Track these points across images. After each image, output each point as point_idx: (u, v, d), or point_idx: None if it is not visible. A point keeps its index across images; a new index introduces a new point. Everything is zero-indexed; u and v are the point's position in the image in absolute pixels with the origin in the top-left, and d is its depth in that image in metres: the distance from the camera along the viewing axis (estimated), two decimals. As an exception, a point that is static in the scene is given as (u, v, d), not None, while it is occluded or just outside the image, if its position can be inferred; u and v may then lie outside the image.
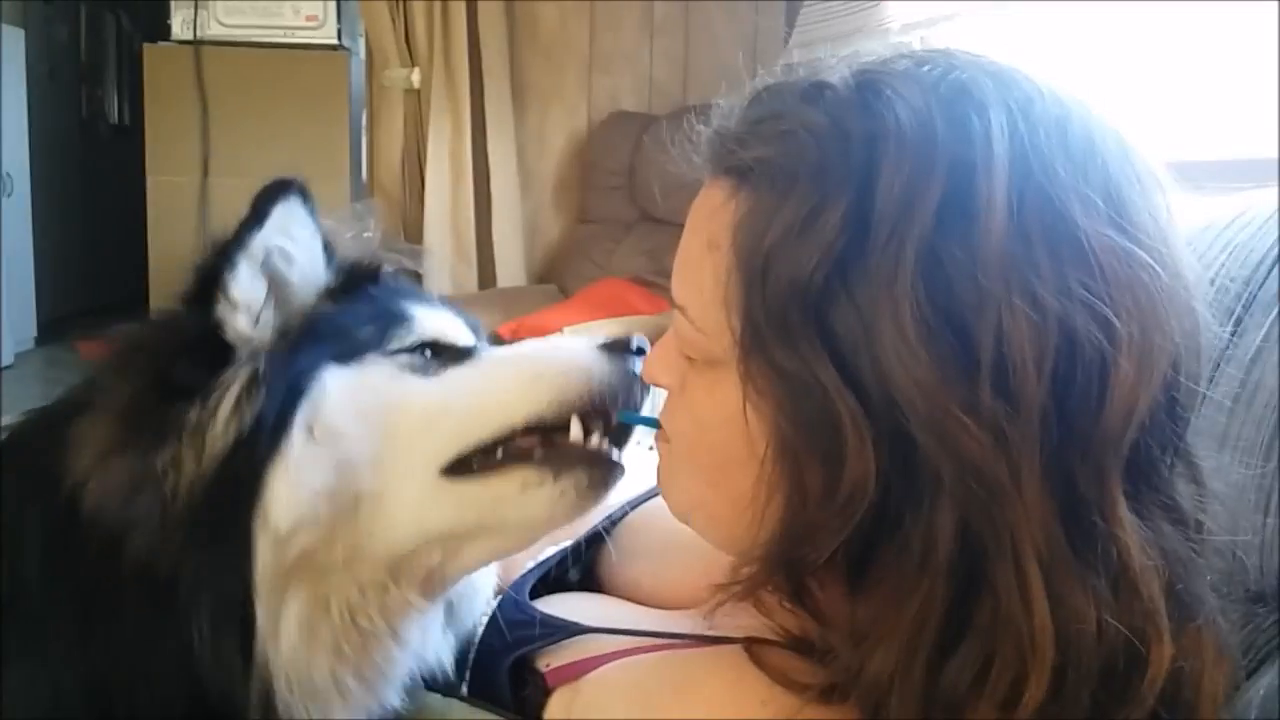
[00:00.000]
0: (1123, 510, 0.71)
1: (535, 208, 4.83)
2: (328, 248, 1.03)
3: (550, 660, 0.93)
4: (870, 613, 0.73)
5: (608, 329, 3.71)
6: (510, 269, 4.71)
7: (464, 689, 1.04)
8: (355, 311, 1.01)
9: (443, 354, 1.02)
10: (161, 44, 4.72)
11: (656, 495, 0.96)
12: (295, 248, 0.99)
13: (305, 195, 0.98)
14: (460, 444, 0.95)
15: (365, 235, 4.44)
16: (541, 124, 4.80)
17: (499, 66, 4.63)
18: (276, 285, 0.98)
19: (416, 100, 4.70)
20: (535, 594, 1.07)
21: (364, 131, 4.93)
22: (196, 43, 4.65)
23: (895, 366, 0.69)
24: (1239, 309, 1.05)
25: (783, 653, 0.77)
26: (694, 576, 0.89)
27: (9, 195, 5.73)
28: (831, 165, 0.73)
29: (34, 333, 5.84)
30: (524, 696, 0.94)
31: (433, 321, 1.03)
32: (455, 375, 1.00)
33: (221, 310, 0.93)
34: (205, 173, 4.80)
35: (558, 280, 4.67)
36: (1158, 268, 0.72)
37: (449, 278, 4.68)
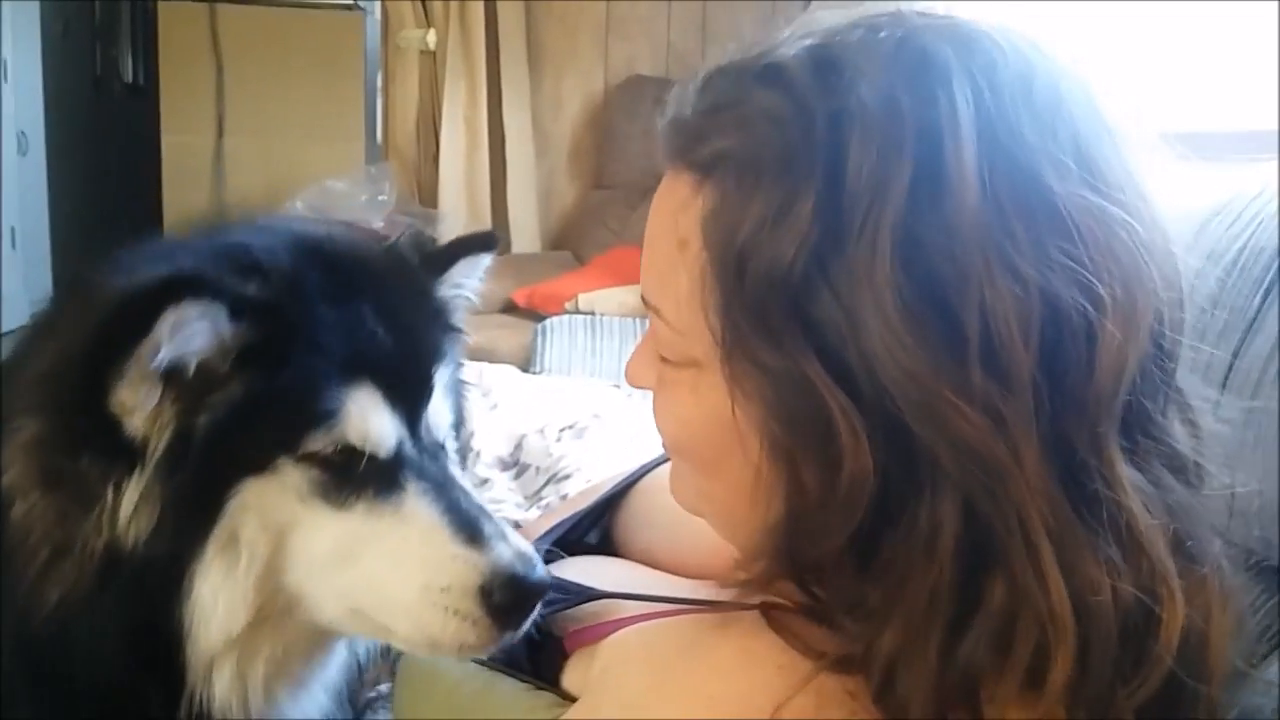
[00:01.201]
0: (1122, 470, 0.70)
1: (550, 173, 4.81)
2: (241, 313, 0.90)
3: (567, 624, 0.93)
4: (879, 593, 0.72)
5: (622, 296, 3.72)
6: (525, 234, 4.70)
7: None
8: (269, 397, 0.92)
9: (360, 467, 0.94)
10: (176, 2, 4.70)
11: (668, 461, 0.95)
12: (191, 346, 0.89)
13: (198, 292, 0.87)
14: (361, 600, 0.93)
15: (379, 198, 4.43)
16: (557, 88, 4.77)
17: (515, 29, 4.60)
18: (175, 381, 0.90)
19: (432, 62, 4.67)
20: (553, 556, 1.07)
21: (379, 93, 4.90)
22: (212, 1, 4.63)
23: (883, 356, 0.68)
24: (1269, 278, 1.04)
25: (799, 619, 0.76)
26: (706, 545, 0.89)
27: (24, 154, 5.72)
28: (797, 152, 0.72)
29: (50, 291, 5.85)
30: (540, 659, 0.94)
31: (353, 421, 0.93)
32: (360, 523, 0.93)
33: (115, 408, 0.89)
34: (220, 132, 4.80)
35: (573, 246, 4.66)
36: (1135, 223, 0.71)
37: (463, 242, 4.67)
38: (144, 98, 5.28)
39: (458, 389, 1.11)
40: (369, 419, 0.94)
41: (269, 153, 4.73)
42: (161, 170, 4.85)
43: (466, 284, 1.15)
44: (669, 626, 0.83)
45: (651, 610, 0.88)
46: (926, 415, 0.68)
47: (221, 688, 0.96)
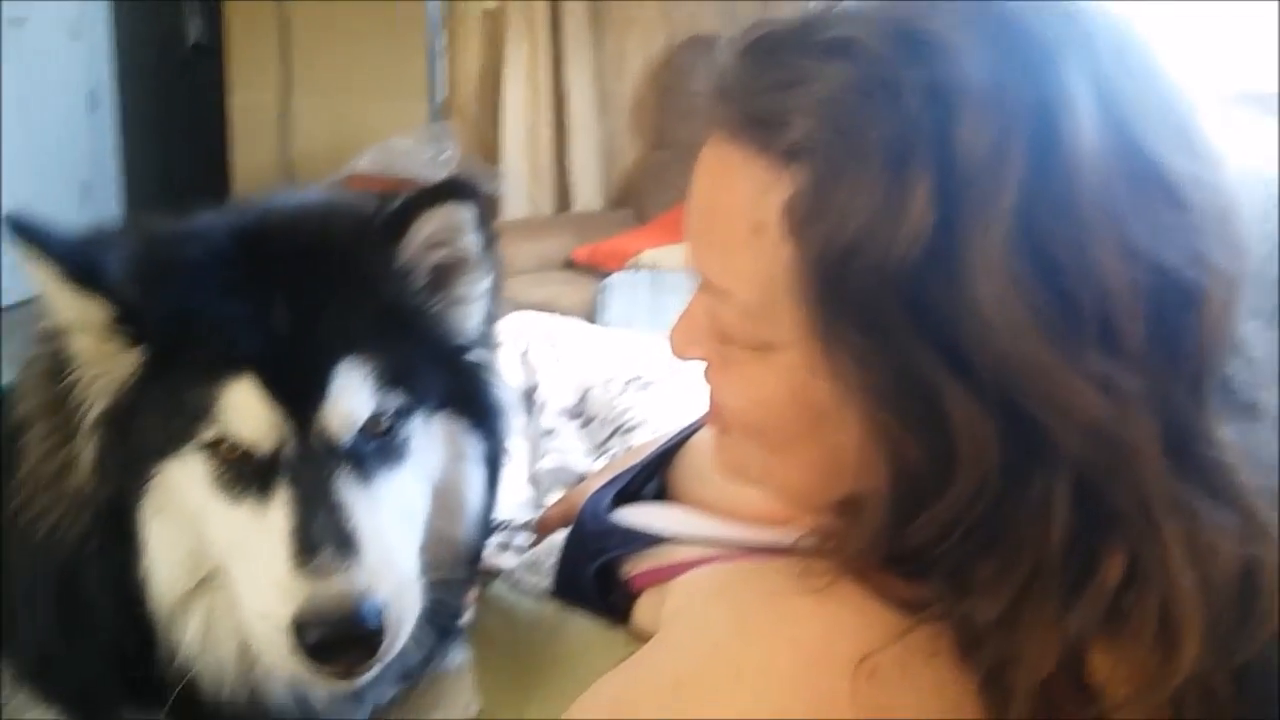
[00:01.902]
0: (1221, 429, 0.70)
1: (612, 131, 4.80)
2: (135, 305, 0.94)
3: (634, 566, 0.94)
4: (982, 562, 0.70)
5: (683, 254, 3.71)
6: (586, 193, 4.70)
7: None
8: (164, 386, 0.94)
9: (245, 459, 0.92)
10: (243, -39, 4.75)
11: None
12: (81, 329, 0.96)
13: (91, 282, 0.93)
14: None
15: (442, 156, 4.45)
16: (620, 47, 4.74)
17: (578, -12, 4.59)
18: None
19: (495, 20, 4.67)
20: (614, 506, 1.08)
21: (442, 51, 4.91)
22: (278, -40, 4.68)
23: (1002, 344, 0.66)
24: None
25: (877, 569, 0.76)
26: (760, 501, 0.89)
27: (95, 112, 5.82)
28: (900, 134, 0.68)
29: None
30: (609, 601, 0.95)
31: (230, 415, 0.91)
32: (243, 523, 0.92)
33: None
34: (286, 91, 4.85)
35: (634, 205, 4.65)
36: (1224, 189, 0.70)
37: (525, 200, 4.69)
38: (211, 56, 5.34)
39: (403, 373, 0.98)
40: (244, 414, 0.92)
41: (334, 110, 4.77)
42: (228, 128, 4.92)
43: (449, 240, 1.02)
44: (745, 570, 0.84)
45: (719, 553, 0.89)
46: (1048, 399, 0.66)
47: (188, 647, 0.98)
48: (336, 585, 0.86)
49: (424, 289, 1.03)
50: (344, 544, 0.88)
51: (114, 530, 0.97)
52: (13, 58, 5.11)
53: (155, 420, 0.95)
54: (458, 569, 1.06)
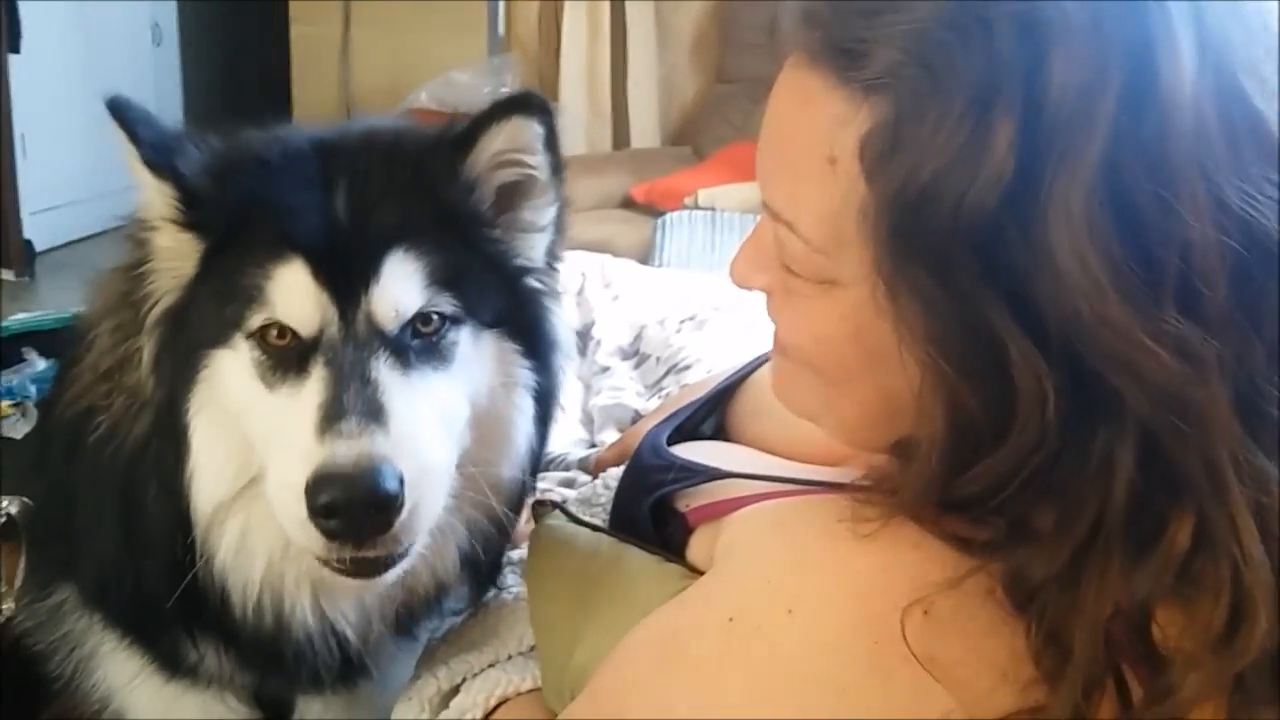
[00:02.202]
0: None
1: (672, 66, 4.74)
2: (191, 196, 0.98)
3: (690, 501, 0.94)
4: (1041, 514, 0.69)
5: (743, 192, 3.68)
6: (645, 129, 4.67)
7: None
8: (217, 273, 0.97)
9: (289, 345, 0.94)
10: (305, -107, 4.73)
11: None
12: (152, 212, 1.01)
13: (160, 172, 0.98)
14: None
15: (501, 90, 4.44)
16: (681, -20, 4.69)
17: (639, -81, 4.52)
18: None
19: (555, -47, 4.63)
20: (671, 444, 1.09)
21: (502, -16, 4.88)
22: (339, -108, 4.66)
23: (1076, 302, 0.64)
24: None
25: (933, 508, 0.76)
26: (820, 435, 0.89)
27: (159, 45, 5.87)
28: (988, 71, 0.64)
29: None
30: (665, 535, 0.96)
31: (278, 298, 0.94)
32: (279, 405, 0.93)
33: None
34: (347, 24, 4.85)
35: (692, 142, 4.61)
36: None
37: (583, 136, 4.67)
38: (272, -12, 5.35)
39: (457, 278, 0.98)
40: (292, 297, 0.93)
41: (394, 44, 4.77)
42: (290, 61, 4.94)
43: (518, 156, 1.02)
44: (801, 505, 0.84)
45: (774, 490, 0.89)
46: (1120, 361, 0.64)
47: (222, 560, 1.00)
48: (358, 446, 0.86)
49: (490, 208, 1.03)
50: (371, 413, 0.88)
51: (169, 432, 1.00)
52: (78, -8, 5.16)
53: (209, 310, 0.97)
54: (495, 508, 1.06)
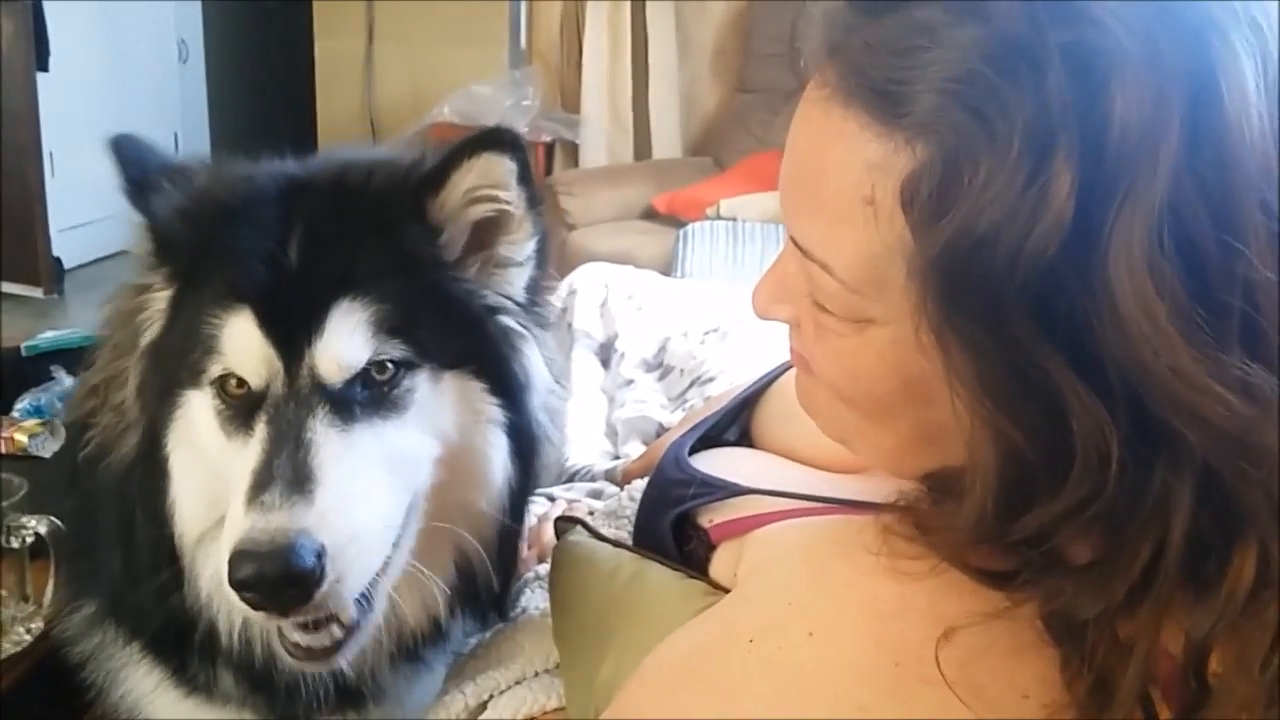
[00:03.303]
0: None
1: (693, 77, 4.75)
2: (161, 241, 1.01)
3: (713, 517, 0.94)
4: (1073, 547, 0.68)
5: (764, 202, 3.68)
6: (666, 140, 4.68)
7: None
8: (179, 319, 0.99)
9: (243, 395, 0.95)
10: (328, -91, 4.77)
11: None
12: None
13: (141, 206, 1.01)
14: None
15: (523, 103, 4.46)
16: (702, -10, 4.70)
17: (659, -70, 4.53)
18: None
19: (576, -34, 4.65)
20: (694, 452, 1.08)
21: (524, -2, 4.91)
22: (361, -93, 4.70)
23: (1139, 351, 0.61)
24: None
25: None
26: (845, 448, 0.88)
27: (185, 61, 5.93)
28: (1042, 114, 0.61)
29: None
30: (687, 551, 0.95)
31: (229, 348, 0.94)
32: (231, 458, 0.94)
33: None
34: (370, 38, 4.88)
35: (714, 152, 4.62)
36: None
37: (605, 148, 4.68)
38: (297, 4, 5.40)
39: (411, 324, 0.96)
40: (240, 348, 0.93)
41: (416, 57, 4.80)
42: (314, 75, 4.98)
43: (491, 192, 1.00)
44: (826, 524, 0.83)
45: (802, 508, 0.88)
46: (1187, 408, 0.61)
47: (206, 588, 1.01)
48: (274, 521, 0.85)
49: (462, 248, 1.02)
50: (297, 483, 0.87)
51: (151, 460, 1.01)
52: (105, 11, 5.22)
53: (180, 351, 0.98)
54: (485, 536, 1.06)
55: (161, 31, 5.73)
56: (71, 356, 1.73)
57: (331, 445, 0.90)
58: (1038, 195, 0.61)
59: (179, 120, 5.78)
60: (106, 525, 1.08)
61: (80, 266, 5.00)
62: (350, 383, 0.93)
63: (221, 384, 0.95)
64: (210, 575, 1.01)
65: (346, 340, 0.93)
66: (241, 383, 0.94)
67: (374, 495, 0.92)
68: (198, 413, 0.97)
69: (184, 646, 1.07)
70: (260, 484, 0.88)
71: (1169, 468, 0.64)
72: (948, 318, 0.66)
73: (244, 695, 1.09)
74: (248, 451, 0.91)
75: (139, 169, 1.00)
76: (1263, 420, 0.62)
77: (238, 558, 0.85)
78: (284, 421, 0.91)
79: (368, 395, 0.94)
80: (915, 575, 0.70)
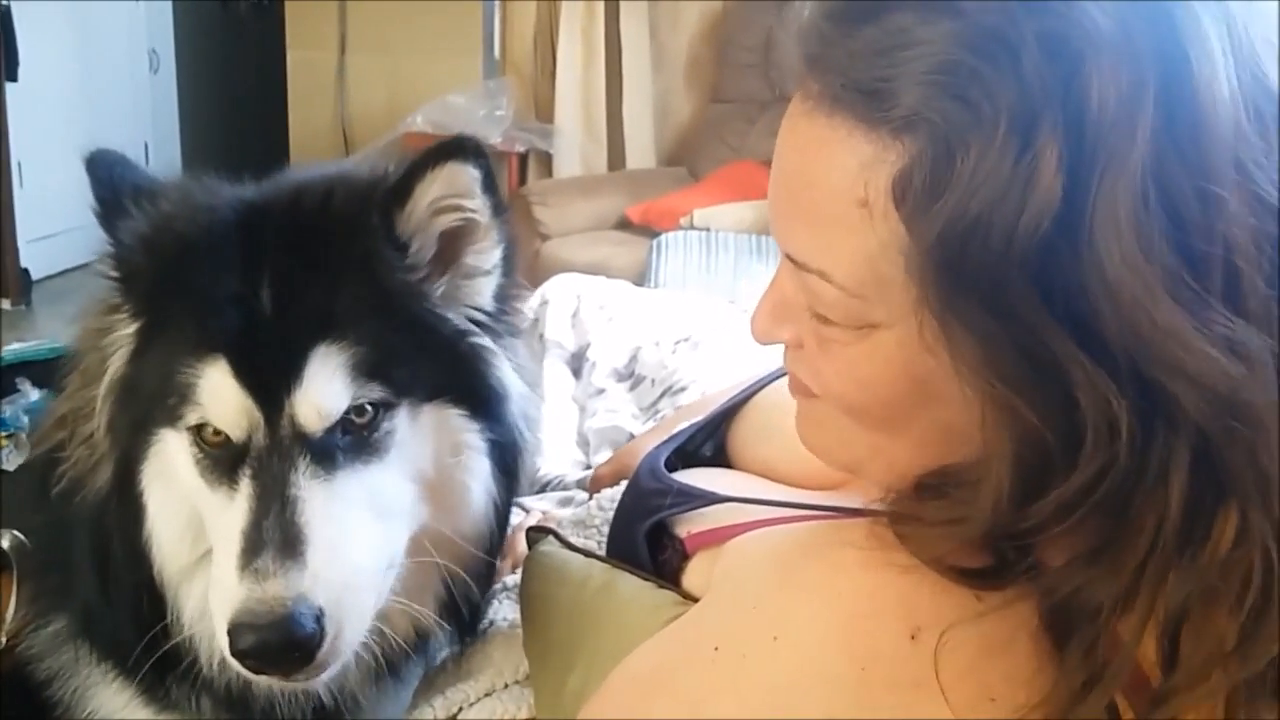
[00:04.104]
0: None
1: (667, 87, 4.76)
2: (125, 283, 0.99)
3: (689, 527, 0.94)
4: (1090, 538, 0.68)
5: (738, 212, 3.69)
6: (640, 150, 4.68)
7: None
8: (160, 367, 0.96)
9: (223, 444, 0.93)
10: (300, -81, 4.75)
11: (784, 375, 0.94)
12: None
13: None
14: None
15: (497, 113, 4.45)
16: (675, 1, 4.70)
17: (633, -59, 4.55)
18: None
19: (550, -25, 4.65)
20: (670, 467, 1.08)
21: (497, 7, 4.90)
22: (334, -83, 4.68)
23: (1135, 311, 0.63)
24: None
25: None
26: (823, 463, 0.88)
27: (156, 72, 5.89)
28: (1024, 96, 0.63)
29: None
30: (661, 560, 0.95)
31: (205, 399, 0.92)
32: (216, 508, 0.93)
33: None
34: (343, 48, 4.87)
35: (688, 162, 4.62)
36: None
37: (579, 158, 4.68)
38: (269, 15, 5.38)
39: (388, 363, 0.95)
40: (218, 400, 0.92)
41: (390, 68, 4.78)
42: (287, 86, 4.95)
43: (457, 201, 1.00)
44: (798, 529, 0.83)
45: (775, 516, 0.88)
46: (1177, 365, 0.63)
47: (188, 619, 1.01)
48: (271, 589, 0.85)
49: (429, 261, 1.01)
50: (288, 546, 0.87)
51: (127, 495, 1.00)
52: (75, 21, 5.18)
53: (153, 390, 0.96)
54: (469, 562, 1.06)
55: (132, 42, 5.70)
56: (38, 368, 1.70)
57: (317, 499, 0.90)
58: (1028, 171, 0.63)
59: (150, 131, 5.74)
60: (80, 548, 1.06)
61: (49, 277, 4.95)
62: (331, 430, 0.93)
63: (198, 430, 0.94)
64: (192, 609, 1.00)
65: (326, 387, 0.92)
66: (219, 431, 0.93)
67: (363, 542, 0.92)
68: (175, 453, 0.96)
69: (161, 671, 1.05)
70: (251, 548, 0.87)
71: (1166, 435, 0.65)
72: (949, 305, 0.67)
73: (218, 716, 1.08)
74: (234, 509, 0.90)
75: (110, 189, 0.98)
76: (1250, 379, 0.63)
77: (237, 629, 0.86)
78: (268, 476, 0.90)
79: (349, 441, 0.93)
80: (881, 575, 0.70)
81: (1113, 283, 0.63)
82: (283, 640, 0.85)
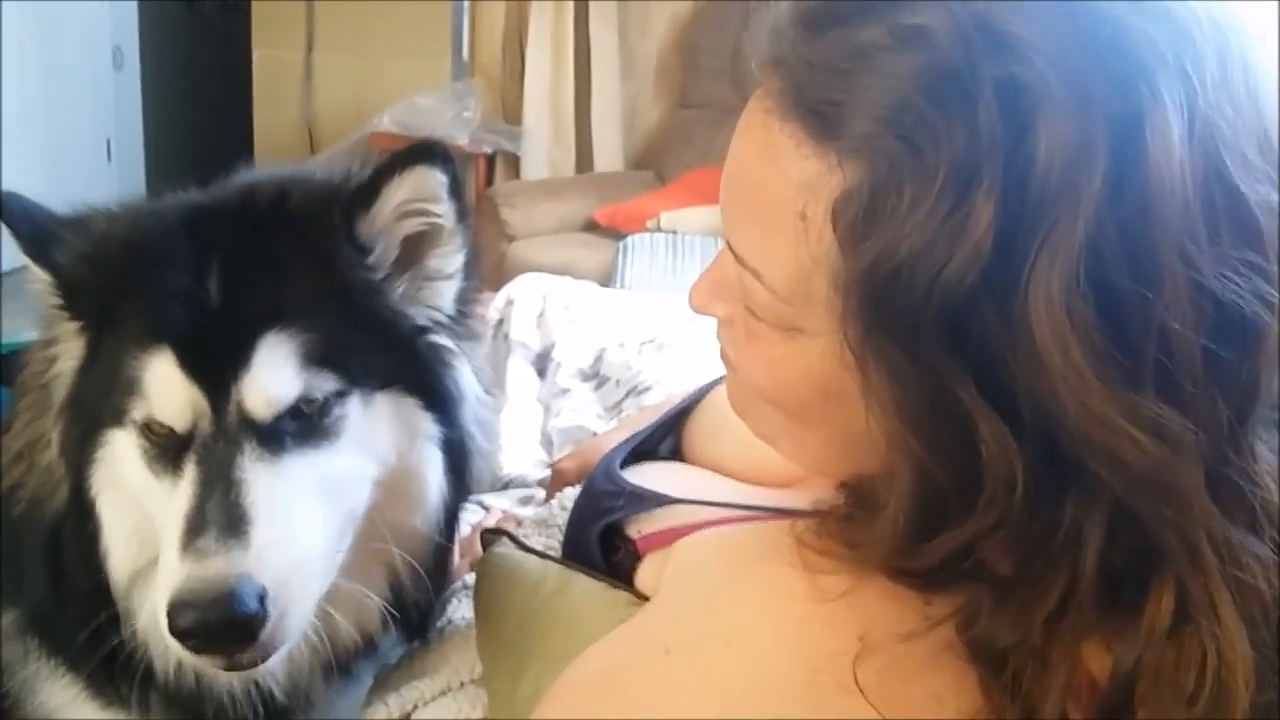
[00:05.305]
0: (1260, 452, 0.66)
1: (635, 91, 4.77)
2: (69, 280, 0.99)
3: (640, 528, 0.94)
4: (1002, 584, 0.68)
5: (705, 216, 3.69)
6: (608, 153, 4.68)
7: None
8: (97, 360, 0.97)
9: (168, 436, 0.93)
10: (267, -84, 4.72)
11: None
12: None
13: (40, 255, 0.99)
14: None
15: (464, 115, 4.44)
16: (645, 5, 4.70)
17: (603, -56, 4.55)
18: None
19: (519, -23, 4.65)
20: (625, 466, 1.08)
21: (465, 9, 4.89)
22: (301, -85, 4.66)
23: (1053, 386, 0.62)
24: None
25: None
26: (776, 459, 0.89)
27: (120, 69, 5.83)
28: (970, 147, 0.62)
29: (145, 203, 6.00)
30: (615, 561, 0.95)
31: (155, 397, 0.92)
32: (162, 500, 0.92)
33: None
34: (310, 47, 4.84)
35: (656, 167, 4.63)
36: None
37: (546, 161, 4.68)
38: (235, 12, 5.33)
39: (339, 353, 0.95)
40: (163, 390, 0.91)
41: (357, 68, 4.76)
42: (252, 84, 4.92)
43: (423, 205, 1.00)
44: (747, 530, 0.83)
45: (726, 516, 0.88)
46: (1097, 446, 0.63)
47: (141, 624, 1.00)
48: (213, 568, 0.84)
49: (391, 263, 1.01)
50: (231, 525, 0.86)
51: (79, 509, 0.99)
52: (37, 16, 5.12)
53: (100, 393, 0.96)
54: (420, 551, 1.05)
55: (95, 38, 5.62)
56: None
57: (262, 481, 0.89)
58: (957, 227, 0.62)
59: (112, 128, 5.67)
60: (31, 548, 1.06)
61: (14, 271, 4.88)
62: (280, 417, 0.92)
63: (146, 425, 0.93)
64: (146, 614, 0.99)
65: (274, 375, 0.91)
66: (163, 425, 0.92)
67: (310, 524, 0.91)
68: (123, 452, 0.95)
69: (110, 671, 1.05)
70: (193, 529, 0.86)
71: (1079, 501, 0.65)
72: (867, 337, 0.67)
73: (166, 712, 1.07)
74: (177, 494, 0.89)
75: (32, 222, 0.97)
76: (1174, 460, 0.63)
77: (177, 607, 0.84)
78: (213, 461, 0.89)
79: (297, 426, 0.93)
80: (832, 594, 0.70)
81: (1039, 354, 0.62)
82: (223, 619, 0.84)
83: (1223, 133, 0.63)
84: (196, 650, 0.87)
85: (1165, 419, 0.62)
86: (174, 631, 0.85)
